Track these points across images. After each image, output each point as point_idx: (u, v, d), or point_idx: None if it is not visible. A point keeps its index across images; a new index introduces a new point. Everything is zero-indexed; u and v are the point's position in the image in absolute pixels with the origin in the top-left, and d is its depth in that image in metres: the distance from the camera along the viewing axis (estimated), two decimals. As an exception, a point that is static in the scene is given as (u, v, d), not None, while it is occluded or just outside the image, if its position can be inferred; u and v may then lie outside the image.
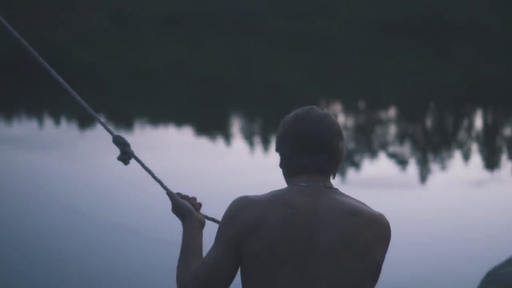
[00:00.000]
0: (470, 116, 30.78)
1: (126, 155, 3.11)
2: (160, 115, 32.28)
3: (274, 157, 23.22)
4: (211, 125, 28.71)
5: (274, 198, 2.32)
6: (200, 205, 2.76)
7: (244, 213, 2.31)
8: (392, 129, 28.85)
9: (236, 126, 29.41)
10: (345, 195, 2.48)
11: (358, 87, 37.85)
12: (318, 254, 2.26)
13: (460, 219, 14.55)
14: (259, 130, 28.43)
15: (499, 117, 30.20)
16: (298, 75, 39.18)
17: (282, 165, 2.55)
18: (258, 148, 23.81)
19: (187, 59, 44.47)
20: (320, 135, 2.44)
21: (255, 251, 2.26)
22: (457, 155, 22.43)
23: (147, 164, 3.18)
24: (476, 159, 21.68)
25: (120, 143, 3.06)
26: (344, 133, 2.67)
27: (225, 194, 17.16)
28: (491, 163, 21.11)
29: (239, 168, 19.51)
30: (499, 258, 10.51)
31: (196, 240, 2.50)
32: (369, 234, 2.37)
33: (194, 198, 2.80)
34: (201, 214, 2.73)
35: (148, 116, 30.23)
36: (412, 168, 20.01)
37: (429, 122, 29.65)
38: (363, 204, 2.49)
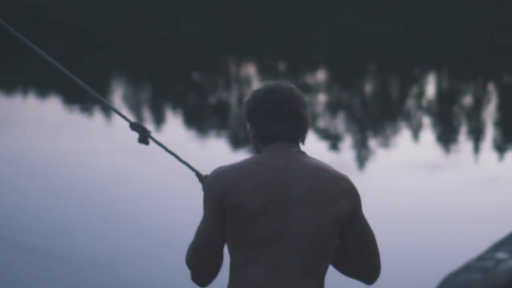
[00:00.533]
0: (420, 80, 31.49)
1: (145, 139, 4.11)
2: (17, 82, 31.62)
3: (168, 134, 23.22)
4: (85, 95, 28.33)
5: (250, 161, 3.25)
6: None
7: (223, 176, 3.23)
8: (321, 98, 29.13)
9: (118, 94, 29.16)
10: (315, 158, 3.38)
11: (278, 43, 38.07)
12: (291, 204, 3.20)
13: (408, 212, 14.92)
14: (148, 100, 28.28)
15: (456, 81, 30.98)
16: (197, 27, 39.15)
17: (255, 134, 3.44)
18: (148, 123, 23.74)
19: (52, 4, 43.72)
20: (292, 106, 3.37)
21: (236, 204, 3.16)
22: (404, 130, 22.93)
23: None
24: (428, 135, 22.22)
25: (138, 129, 4.07)
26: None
27: (112, 183, 17.13)
28: (446, 140, 21.69)
29: (124, 150, 19.43)
30: (454, 259, 10.91)
31: None
32: (336, 187, 3.30)
33: None
34: None
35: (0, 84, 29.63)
36: (347, 147, 20.37)
37: (368, 89, 30.15)
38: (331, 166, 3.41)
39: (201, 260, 3.25)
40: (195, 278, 3.28)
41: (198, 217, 10.86)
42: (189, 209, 14.29)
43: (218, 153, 19.72)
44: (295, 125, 3.42)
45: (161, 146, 4.18)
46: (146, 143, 4.19)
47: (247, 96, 3.56)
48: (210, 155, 19.50)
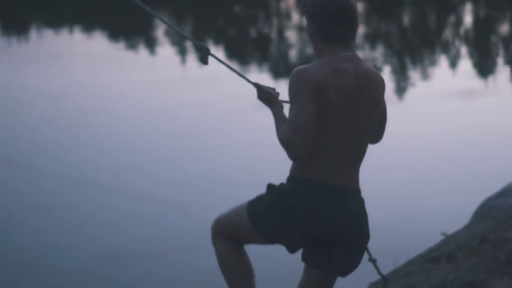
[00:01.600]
0: (457, 10, 31.05)
1: (205, 58, 4.45)
2: (62, 18, 31.64)
3: (210, 67, 23.01)
4: (129, 29, 28.34)
5: (328, 66, 3.68)
6: (278, 93, 4.13)
7: (313, 74, 3.66)
8: (360, 29, 28.71)
9: (160, 29, 29.10)
10: (365, 61, 3.86)
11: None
12: (359, 107, 3.75)
13: (448, 139, 14.75)
14: (190, 34, 28.16)
15: (492, 10, 30.50)
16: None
17: (317, 33, 3.81)
18: (191, 57, 23.66)
19: None
20: (350, 11, 3.76)
21: (325, 101, 3.66)
22: (442, 60, 22.65)
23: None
24: (466, 64, 21.94)
25: (202, 49, 4.41)
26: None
27: (154, 115, 17.12)
28: (484, 69, 21.40)
29: (167, 82, 19.41)
30: (493, 184, 10.76)
31: (285, 117, 3.87)
32: (382, 89, 3.86)
33: (274, 88, 4.19)
34: (280, 100, 4.10)
35: (46, 20, 29.67)
36: (387, 77, 20.17)
37: (406, 19, 29.80)
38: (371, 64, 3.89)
39: (304, 138, 3.63)
40: (295, 155, 3.65)
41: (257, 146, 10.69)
42: (246, 142, 14.29)
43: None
44: (352, 28, 3.83)
45: (222, 62, 4.58)
46: (206, 62, 4.50)
47: (307, 1, 3.89)
48: (251, 88, 19.33)
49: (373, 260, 4.53)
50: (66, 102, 17.54)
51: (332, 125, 3.72)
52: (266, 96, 4.15)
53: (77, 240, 10.89)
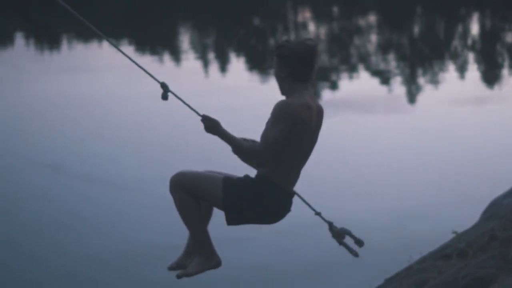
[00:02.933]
0: (465, 20, 30.98)
1: (166, 94, 4.91)
2: (91, 31, 31.60)
3: (231, 76, 23.22)
4: (155, 40, 28.46)
5: (303, 102, 4.44)
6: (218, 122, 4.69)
7: (292, 108, 4.41)
8: (373, 39, 28.88)
9: (185, 40, 29.22)
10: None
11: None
12: (314, 133, 4.57)
13: (457, 142, 14.73)
14: (213, 44, 28.27)
15: (499, 21, 30.40)
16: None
17: (288, 75, 4.52)
18: (213, 67, 23.73)
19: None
20: (317, 54, 4.46)
21: (296, 130, 4.41)
22: (451, 68, 22.61)
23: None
24: (474, 72, 21.89)
25: (164, 87, 4.88)
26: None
27: (180, 121, 17.21)
28: (491, 76, 21.33)
29: (192, 92, 19.47)
30: (501, 185, 10.76)
31: (233, 135, 4.55)
32: (322, 121, 4.65)
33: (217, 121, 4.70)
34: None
35: (77, 32, 29.80)
36: (398, 85, 20.13)
37: (416, 29, 29.76)
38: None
39: (271, 151, 4.46)
40: (260, 161, 4.52)
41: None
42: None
43: (278, 94, 19.57)
44: (315, 68, 4.51)
45: (178, 98, 4.96)
46: (167, 98, 4.96)
47: (280, 45, 4.54)
48: (271, 95, 19.35)
49: (318, 213, 5.05)
50: (96, 109, 17.67)
51: (299, 147, 4.53)
52: (214, 125, 4.63)
53: (130, 246, 10.91)
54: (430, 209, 11.54)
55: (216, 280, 10.75)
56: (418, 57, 24.37)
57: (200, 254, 4.65)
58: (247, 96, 18.60)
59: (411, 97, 18.97)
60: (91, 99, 18.70)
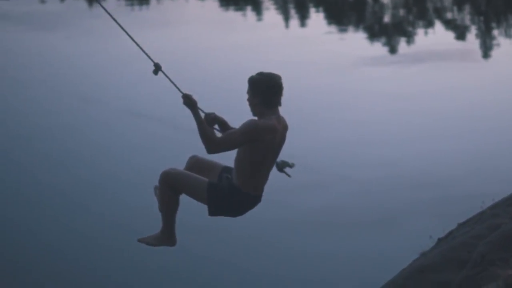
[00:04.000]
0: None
1: (157, 71, 5.46)
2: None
3: (311, 27, 23.18)
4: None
5: (270, 123, 5.13)
6: (196, 102, 5.36)
7: (261, 126, 5.08)
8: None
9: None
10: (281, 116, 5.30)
11: None
12: (278, 147, 5.22)
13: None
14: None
15: None
16: None
17: (259, 102, 5.21)
18: (293, 19, 23.68)
19: None
20: (282, 86, 5.23)
21: (262, 146, 5.13)
22: (526, 21, 22.09)
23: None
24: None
25: (157, 66, 5.45)
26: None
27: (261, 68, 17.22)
28: None
29: (272, 42, 19.54)
30: None
31: (201, 118, 5.32)
32: (286, 131, 5.29)
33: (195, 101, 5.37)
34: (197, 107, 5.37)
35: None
36: (473, 37, 19.84)
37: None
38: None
39: (219, 149, 5.23)
40: (208, 151, 5.22)
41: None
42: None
43: (356, 45, 19.53)
44: (281, 97, 5.25)
45: (168, 78, 5.53)
46: (157, 73, 5.48)
47: (254, 77, 5.24)
48: (348, 47, 19.34)
49: None
50: (182, 60, 17.88)
51: (264, 163, 5.28)
52: (191, 102, 5.34)
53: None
54: (504, 156, 11.47)
55: (298, 223, 10.96)
56: (493, 10, 23.88)
57: (162, 232, 5.49)
58: (324, 50, 18.60)
59: (486, 50, 18.68)
60: (179, 52, 18.92)
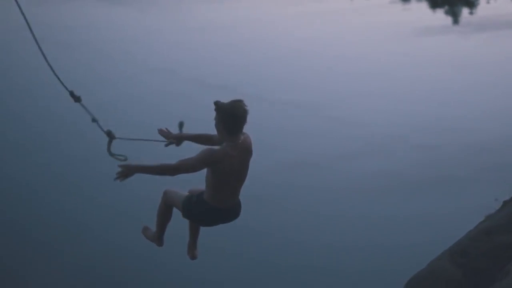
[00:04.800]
0: None
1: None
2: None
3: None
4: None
5: (229, 152, 5.53)
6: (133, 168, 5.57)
7: (215, 155, 5.48)
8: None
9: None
10: (244, 134, 5.67)
11: None
12: (240, 168, 5.66)
13: None
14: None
15: None
16: None
17: (224, 128, 5.55)
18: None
19: None
20: (245, 118, 5.53)
21: (221, 170, 5.56)
22: None
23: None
24: None
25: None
26: None
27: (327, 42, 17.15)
28: None
29: (339, 11, 19.42)
30: None
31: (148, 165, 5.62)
32: (251, 149, 5.69)
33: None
34: (135, 165, 5.54)
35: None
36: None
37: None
38: (244, 135, 5.67)
39: (178, 173, 5.47)
40: (169, 175, 5.53)
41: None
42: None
43: (418, 14, 19.26)
44: (243, 126, 5.61)
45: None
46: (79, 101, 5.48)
47: (220, 104, 5.65)
48: (411, 16, 19.12)
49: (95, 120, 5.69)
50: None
51: (226, 180, 5.73)
52: (134, 169, 5.59)
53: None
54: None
55: (361, 187, 10.95)
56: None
57: (156, 232, 6.30)
58: (388, 19, 18.40)
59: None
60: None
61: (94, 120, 5.52)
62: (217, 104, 5.68)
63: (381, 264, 9.02)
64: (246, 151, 5.77)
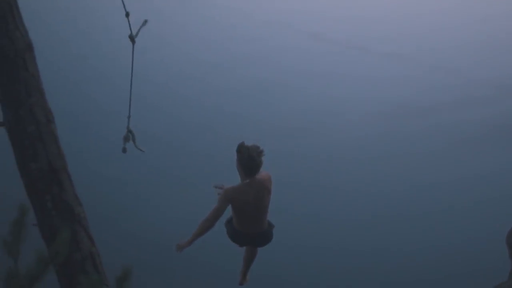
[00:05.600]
0: None
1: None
2: None
3: None
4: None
5: (244, 189, 6.66)
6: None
7: (230, 194, 6.68)
8: None
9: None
10: (259, 175, 6.70)
11: None
12: (257, 202, 6.78)
13: None
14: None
15: None
16: None
17: (243, 171, 6.62)
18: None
19: None
20: (260, 166, 6.58)
21: (237, 204, 6.74)
22: None
23: None
24: None
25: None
26: None
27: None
28: None
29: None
30: None
31: (195, 232, 6.74)
32: (268, 185, 6.78)
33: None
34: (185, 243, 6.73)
35: None
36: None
37: None
38: (261, 174, 6.72)
39: (215, 218, 6.61)
40: (210, 224, 6.60)
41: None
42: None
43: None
44: (258, 170, 6.61)
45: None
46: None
47: (240, 148, 6.52)
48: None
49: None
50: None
51: (243, 212, 6.78)
52: (187, 244, 6.59)
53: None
54: None
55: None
56: None
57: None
58: None
59: None
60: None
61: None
62: (238, 148, 6.52)
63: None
64: (262, 189, 6.70)
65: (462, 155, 10.19)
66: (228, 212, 6.76)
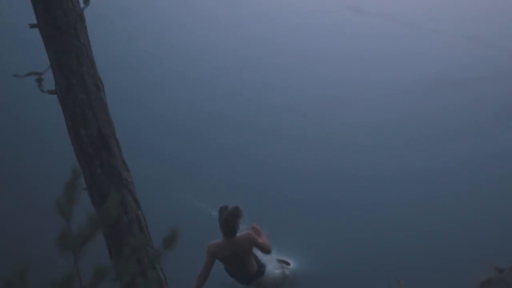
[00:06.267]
0: None
1: None
2: None
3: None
4: None
5: (224, 245, 7.26)
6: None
7: (211, 251, 7.27)
8: None
9: None
10: (237, 235, 7.32)
11: None
12: (236, 257, 7.42)
13: None
14: None
15: None
16: None
17: (220, 230, 7.21)
18: None
19: None
20: (234, 226, 7.18)
21: (221, 258, 7.36)
22: None
23: None
24: None
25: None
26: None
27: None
28: None
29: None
30: None
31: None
32: (247, 242, 7.40)
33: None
34: None
35: None
36: None
37: None
38: (241, 234, 7.37)
39: (207, 277, 7.25)
40: (200, 281, 7.22)
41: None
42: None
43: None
44: (234, 231, 7.20)
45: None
46: None
47: (219, 212, 7.14)
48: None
49: None
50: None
51: (230, 263, 7.43)
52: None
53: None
54: None
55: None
56: None
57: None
58: None
59: None
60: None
61: None
62: (218, 210, 7.10)
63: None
64: (241, 248, 7.28)
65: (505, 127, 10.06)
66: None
